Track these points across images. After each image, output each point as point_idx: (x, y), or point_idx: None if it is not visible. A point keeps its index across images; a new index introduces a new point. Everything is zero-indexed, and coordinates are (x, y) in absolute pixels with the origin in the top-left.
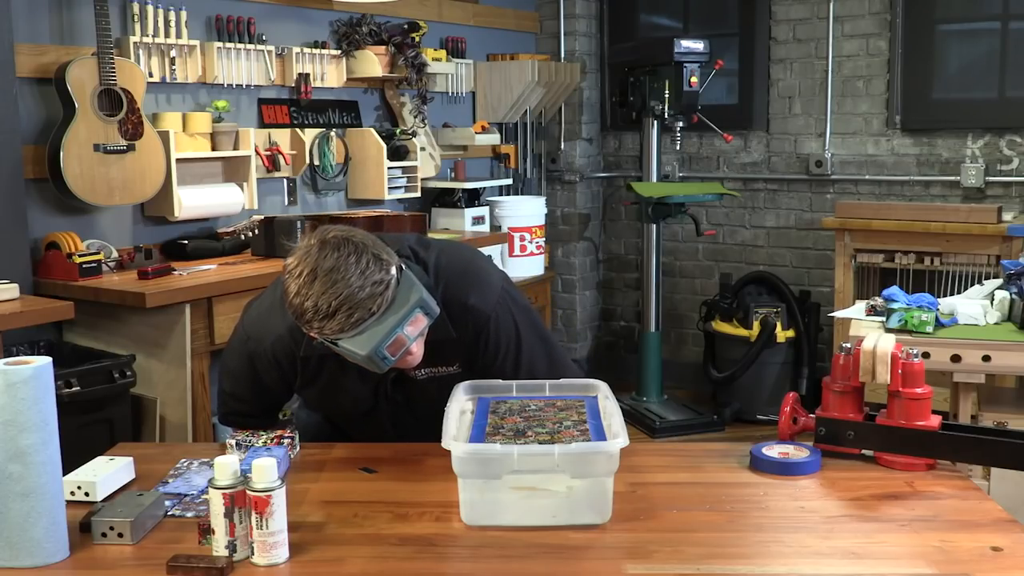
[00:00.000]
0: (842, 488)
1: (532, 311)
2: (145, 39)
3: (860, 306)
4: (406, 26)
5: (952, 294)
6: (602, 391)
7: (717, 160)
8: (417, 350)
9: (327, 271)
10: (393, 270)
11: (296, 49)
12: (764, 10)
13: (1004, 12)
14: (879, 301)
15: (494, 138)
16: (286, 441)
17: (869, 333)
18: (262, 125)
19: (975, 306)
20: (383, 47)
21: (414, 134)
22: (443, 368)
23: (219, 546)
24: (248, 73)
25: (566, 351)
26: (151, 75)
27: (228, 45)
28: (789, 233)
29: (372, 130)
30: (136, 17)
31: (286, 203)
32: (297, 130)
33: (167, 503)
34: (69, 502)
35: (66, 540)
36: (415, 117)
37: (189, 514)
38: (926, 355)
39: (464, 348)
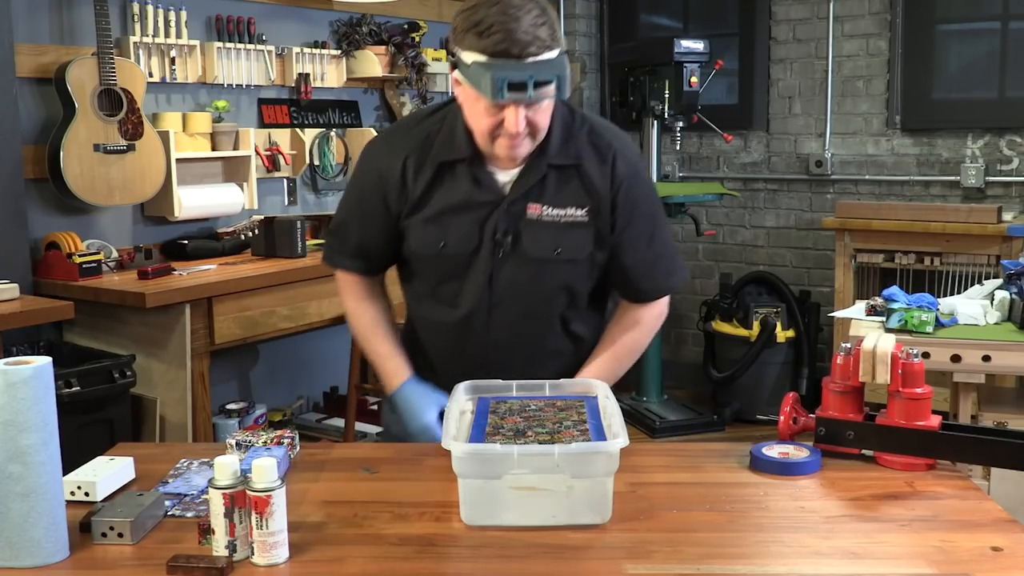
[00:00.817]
0: (842, 488)
1: None
2: (145, 39)
3: (860, 306)
4: (406, 26)
5: (952, 294)
6: (602, 391)
7: (717, 160)
8: (536, 120)
9: (509, 4)
10: (559, 48)
11: (296, 49)
12: (764, 10)
13: (1004, 12)
14: (879, 301)
15: None
16: (286, 441)
17: (869, 333)
18: (262, 125)
19: (975, 306)
20: (383, 47)
21: None
22: (570, 210)
23: (219, 546)
24: (248, 73)
25: None
26: (151, 75)
27: (228, 45)
28: (789, 233)
29: (372, 130)
30: (136, 17)
31: (286, 203)
32: (297, 130)
33: (167, 503)
34: (69, 502)
35: (66, 540)
36: None
37: (189, 514)
38: (926, 355)
39: (597, 191)
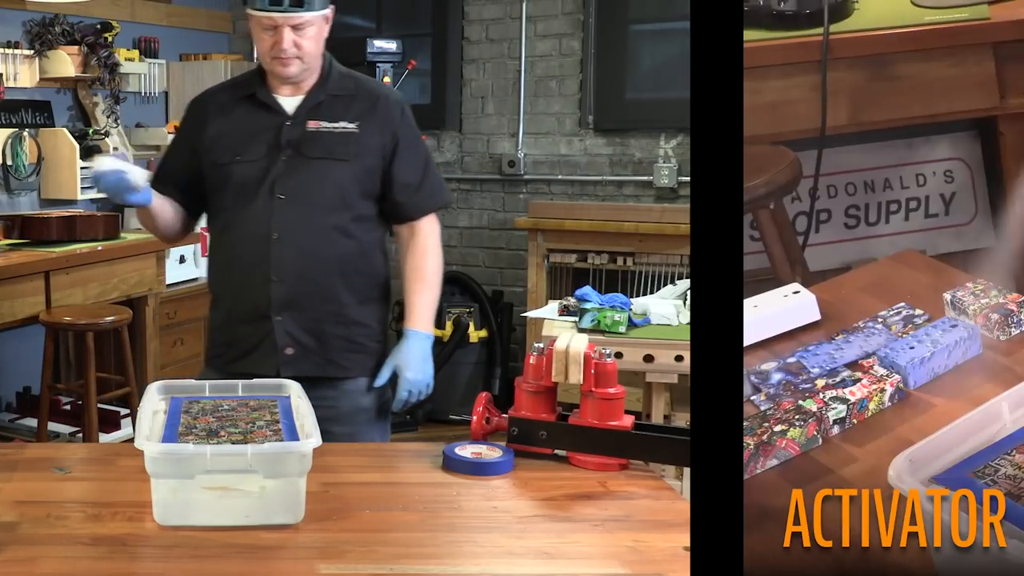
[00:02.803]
0: (535, 488)
1: None
2: None
3: (553, 306)
4: (99, 26)
5: (645, 294)
6: (295, 391)
7: None
8: (302, 43)
9: None
10: None
11: None
12: (457, 10)
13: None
14: (572, 301)
15: None
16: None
17: (562, 333)
18: None
19: (668, 306)
20: (76, 47)
21: (107, 134)
22: (343, 123)
23: None
24: None
25: None
26: None
27: None
28: (482, 233)
29: (65, 130)
30: None
31: None
32: None
33: None
34: None
35: None
36: (108, 117)
37: None
38: (619, 355)
39: (366, 113)
